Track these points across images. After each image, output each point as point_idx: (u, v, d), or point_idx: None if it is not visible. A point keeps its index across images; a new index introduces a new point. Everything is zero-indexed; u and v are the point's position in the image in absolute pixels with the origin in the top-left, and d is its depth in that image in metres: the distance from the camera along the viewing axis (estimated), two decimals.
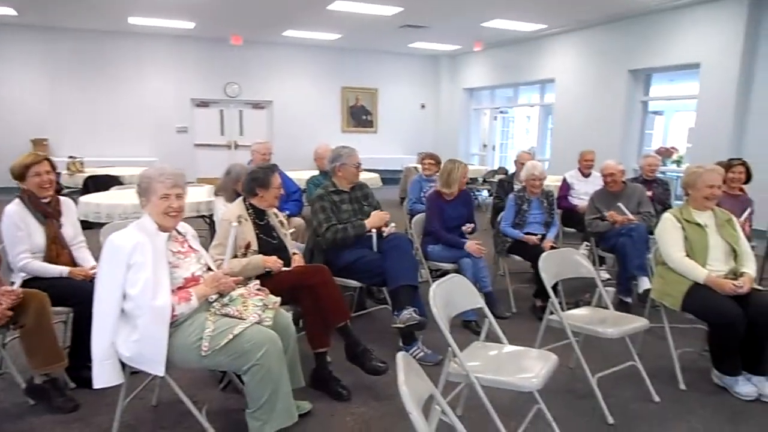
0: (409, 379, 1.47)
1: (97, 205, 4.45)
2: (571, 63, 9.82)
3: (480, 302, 2.56)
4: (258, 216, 3.02)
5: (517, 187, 5.12)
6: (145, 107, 11.03)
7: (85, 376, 2.39)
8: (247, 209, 3.01)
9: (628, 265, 4.15)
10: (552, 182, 6.00)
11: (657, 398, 2.86)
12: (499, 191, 5.66)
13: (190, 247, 2.43)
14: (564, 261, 3.12)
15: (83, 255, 3.09)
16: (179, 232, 2.43)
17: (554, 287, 2.90)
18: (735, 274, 2.97)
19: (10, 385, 2.83)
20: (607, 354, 3.23)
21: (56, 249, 2.94)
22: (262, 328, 2.24)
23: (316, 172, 5.41)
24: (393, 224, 3.56)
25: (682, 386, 3.00)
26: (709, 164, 3.23)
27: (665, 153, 9.99)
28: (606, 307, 3.06)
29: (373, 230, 3.47)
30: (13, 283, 2.76)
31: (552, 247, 3.99)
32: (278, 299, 2.47)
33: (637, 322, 2.84)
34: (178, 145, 11.31)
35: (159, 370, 2.12)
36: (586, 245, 4.57)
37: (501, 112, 13.33)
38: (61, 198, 3.13)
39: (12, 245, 2.84)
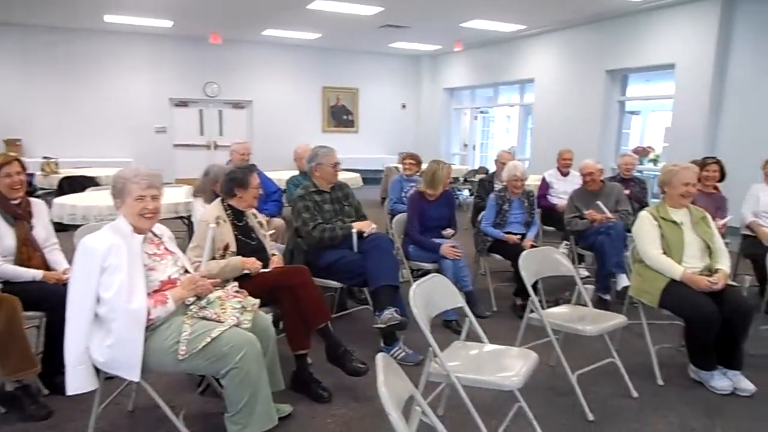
0: (388, 380, 1.46)
1: (72, 207, 4.36)
2: (550, 63, 9.91)
3: (460, 302, 2.56)
4: (236, 217, 2.98)
5: (497, 186, 5.14)
6: (122, 107, 10.84)
7: (59, 382, 2.34)
8: (226, 210, 2.97)
9: (606, 262, 4.20)
10: (532, 182, 6.04)
11: (635, 394, 2.89)
12: (480, 191, 5.68)
13: (167, 249, 2.39)
14: (544, 259, 3.13)
15: (56, 258, 3.02)
16: (155, 234, 2.39)
17: (534, 286, 2.91)
18: (710, 271, 3.01)
19: None
20: (587, 351, 3.26)
21: (27, 251, 2.87)
22: (241, 331, 2.21)
23: (297, 173, 5.37)
24: (374, 225, 3.55)
25: (660, 381, 3.04)
26: (684, 163, 3.28)
27: (642, 152, 10.14)
28: (585, 305, 3.09)
29: (354, 230, 3.45)
30: None
31: (532, 246, 4.02)
32: (257, 301, 2.43)
33: (616, 320, 2.87)
34: (157, 146, 11.15)
35: (134, 375, 2.08)
36: (566, 244, 4.61)
37: (481, 111, 13.40)
38: (32, 199, 3.06)
39: None
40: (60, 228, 4.08)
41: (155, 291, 2.21)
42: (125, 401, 2.67)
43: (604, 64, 8.78)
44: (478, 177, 7.92)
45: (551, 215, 5.42)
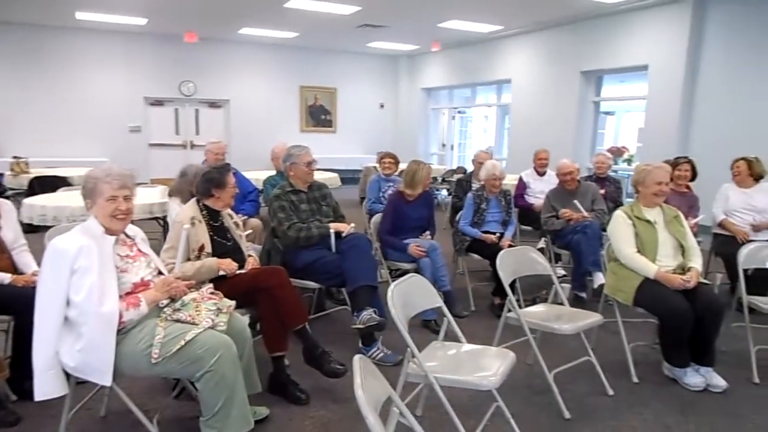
0: (365, 382, 1.45)
1: (42, 207, 4.25)
2: (527, 64, 10.01)
3: (439, 302, 2.56)
4: (212, 217, 2.94)
5: (475, 186, 5.17)
6: (95, 106, 10.62)
7: (28, 387, 2.24)
8: (201, 210, 2.93)
9: (582, 261, 4.25)
10: (509, 181, 6.08)
11: (611, 391, 2.93)
12: (458, 190, 5.70)
13: (139, 250, 2.34)
14: (521, 259, 3.15)
15: (25, 260, 2.94)
16: (128, 236, 2.34)
17: (512, 285, 2.93)
18: (683, 269, 3.06)
19: None
20: (564, 349, 3.29)
21: None
22: (216, 333, 2.17)
23: (274, 172, 5.32)
24: (352, 224, 3.53)
25: (635, 379, 3.08)
26: (657, 162, 3.33)
27: (616, 152, 10.32)
28: (562, 304, 3.12)
29: (332, 230, 3.43)
30: None
31: (510, 246, 4.04)
32: (233, 303, 2.40)
33: (592, 318, 2.90)
34: (131, 145, 10.96)
35: (106, 380, 2.03)
36: (545, 240, 4.66)
37: (459, 111, 13.46)
38: None
39: None
40: (30, 229, 3.98)
41: (128, 293, 2.16)
42: (97, 406, 2.61)
43: (579, 65, 8.90)
44: (456, 177, 7.95)
45: (528, 215, 5.47)
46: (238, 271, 2.81)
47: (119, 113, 10.87)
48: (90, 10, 8.80)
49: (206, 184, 2.92)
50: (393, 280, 2.36)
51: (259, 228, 4.48)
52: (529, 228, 5.48)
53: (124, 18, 9.31)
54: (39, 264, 2.63)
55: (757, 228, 4.22)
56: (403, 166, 4.68)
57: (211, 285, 2.51)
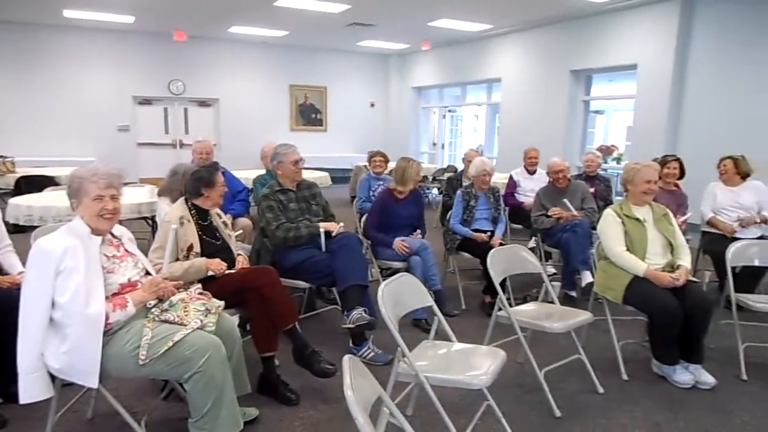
0: (355, 382, 1.43)
1: (28, 207, 4.20)
2: (517, 63, 10.03)
3: (429, 301, 2.55)
4: (201, 216, 2.92)
5: (465, 184, 5.17)
6: (83, 105, 10.51)
7: (13, 390, 2.22)
8: (190, 210, 2.90)
9: (571, 260, 4.26)
10: (499, 180, 6.10)
11: (601, 389, 2.93)
12: (448, 189, 5.70)
13: (126, 250, 2.31)
14: (511, 257, 3.15)
15: (10, 260, 2.90)
16: (114, 236, 2.31)
17: (502, 283, 2.93)
18: (672, 267, 3.08)
19: None
20: (554, 348, 3.30)
21: None
22: (204, 334, 2.15)
23: (264, 171, 5.29)
24: (341, 224, 3.52)
25: (625, 376, 3.09)
26: (645, 161, 3.35)
27: (606, 151, 10.35)
28: (552, 302, 3.12)
29: (322, 230, 3.42)
30: None
31: (500, 244, 4.04)
32: (222, 303, 2.38)
33: (582, 316, 2.91)
34: (120, 144, 10.86)
35: (92, 381, 2.00)
36: (535, 239, 4.67)
37: (449, 110, 13.47)
38: None
39: None
40: (16, 230, 3.94)
41: (114, 294, 2.13)
42: (84, 408, 2.58)
43: (569, 64, 8.93)
44: (446, 175, 7.95)
45: (518, 213, 5.48)
46: (227, 271, 2.79)
47: (107, 112, 10.77)
48: (77, 8, 8.71)
49: (196, 183, 2.90)
50: (383, 279, 2.35)
51: (248, 227, 4.46)
52: (519, 226, 5.49)
53: (112, 16, 9.22)
54: (25, 265, 2.60)
55: (744, 223, 4.25)
56: (393, 165, 4.67)
57: (199, 285, 2.48)
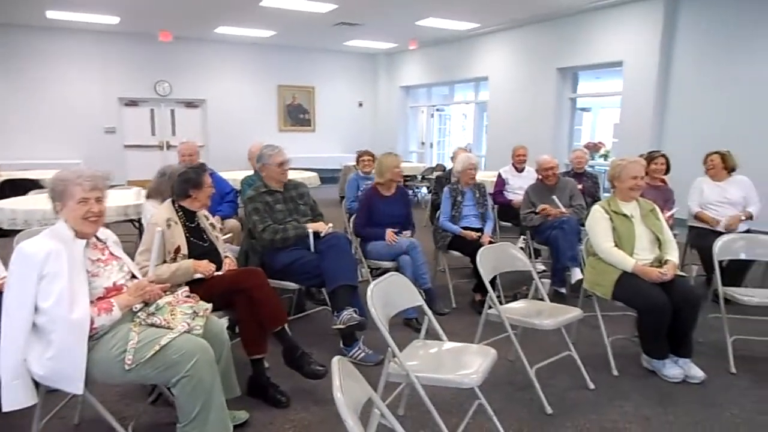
0: (344, 384, 1.42)
1: (12, 211, 4.13)
2: (504, 61, 10.06)
3: (419, 300, 2.54)
4: (188, 218, 2.88)
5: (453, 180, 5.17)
6: (68, 107, 10.40)
7: None
8: (177, 212, 2.87)
9: (560, 256, 4.27)
10: (488, 178, 6.11)
11: (592, 385, 2.94)
12: (437, 188, 5.70)
13: (112, 254, 2.27)
14: (501, 255, 3.15)
15: None
16: (99, 239, 2.27)
17: (492, 281, 2.93)
18: (660, 262, 3.09)
19: None
20: (545, 345, 3.30)
21: None
22: (192, 337, 2.12)
23: (252, 172, 5.26)
24: (330, 224, 3.50)
25: (615, 372, 3.10)
26: (631, 157, 3.36)
27: (593, 148, 10.43)
28: (542, 299, 3.12)
29: (311, 230, 3.39)
30: None
31: (490, 242, 4.05)
32: (209, 306, 2.35)
33: (572, 313, 2.91)
34: (106, 146, 10.76)
35: (77, 388, 1.96)
36: (524, 238, 4.68)
37: (437, 109, 13.49)
38: None
39: None
40: (0, 233, 3.87)
41: (99, 298, 2.10)
42: (71, 414, 2.54)
43: (556, 61, 8.97)
44: (435, 174, 7.96)
45: (507, 211, 5.49)
46: (215, 273, 2.76)
47: (93, 114, 10.67)
48: (61, 9, 8.60)
49: (183, 184, 2.87)
50: (373, 279, 2.33)
51: (237, 229, 4.42)
52: (508, 224, 5.50)
53: (96, 17, 9.13)
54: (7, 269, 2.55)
55: (730, 227, 4.24)
56: None
57: (186, 288, 2.45)
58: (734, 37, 6.72)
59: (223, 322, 2.64)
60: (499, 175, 5.87)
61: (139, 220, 4.45)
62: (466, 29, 9.99)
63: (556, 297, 4.20)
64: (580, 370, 2.98)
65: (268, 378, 2.77)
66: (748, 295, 3.26)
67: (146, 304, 2.20)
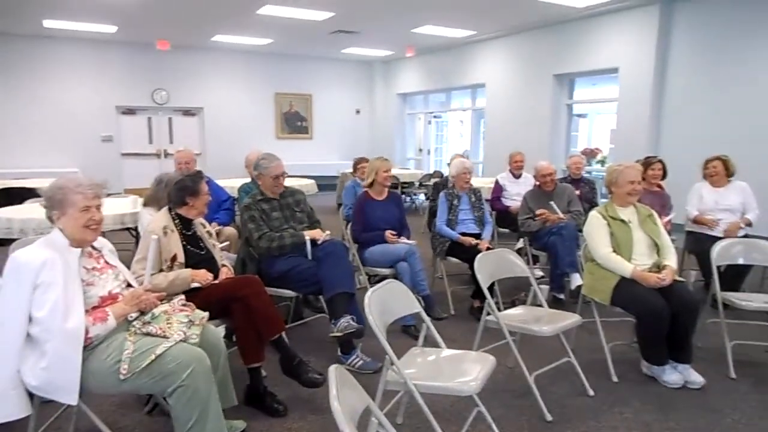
0: (341, 393, 1.41)
1: (8, 220, 4.11)
2: (500, 68, 10.09)
3: (417, 307, 2.53)
4: (185, 226, 2.87)
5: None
6: (65, 115, 10.39)
7: None
8: (174, 219, 2.85)
9: (559, 262, 4.26)
10: (485, 184, 6.11)
11: (591, 392, 2.92)
12: (435, 194, 5.69)
13: (107, 262, 2.26)
14: (499, 261, 3.14)
15: None
16: (94, 248, 2.26)
17: (491, 287, 2.91)
18: (658, 267, 3.08)
19: None
20: (544, 351, 3.29)
21: None
22: (188, 346, 2.10)
23: (249, 180, 5.24)
24: (328, 232, 3.48)
25: (615, 378, 3.09)
26: (627, 162, 3.36)
27: (590, 154, 10.44)
28: (541, 305, 3.11)
29: (308, 238, 3.38)
30: None
31: (488, 248, 4.03)
32: (206, 314, 2.33)
33: (571, 319, 2.90)
34: (104, 155, 10.75)
35: (72, 399, 1.94)
36: (522, 241, 4.68)
37: (435, 116, 13.52)
38: None
39: None
40: None
41: (94, 307, 2.08)
42: (65, 425, 2.50)
43: (552, 68, 9.00)
44: (432, 181, 7.96)
45: (505, 217, 5.48)
46: (212, 282, 2.74)
47: (90, 122, 10.66)
48: (58, 18, 8.62)
49: (180, 192, 2.85)
50: (371, 286, 2.32)
51: (234, 237, 4.40)
52: (506, 230, 5.49)
53: (94, 26, 9.14)
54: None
55: (728, 234, 4.22)
56: None
57: (182, 296, 2.43)
58: (729, 43, 6.75)
59: (220, 330, 2.63)
60: (497, 182, 5.87)
61: (136, 229, 4.44)
62: (463, 36, 10.02)
63: (554, 303, 4.18)
64: (580, 377, 2.96)
65: (265, 387, 2.74)
66: (746, 299, 3.25)
67: (142, 313, 2.18)
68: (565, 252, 4.21)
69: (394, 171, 9.96)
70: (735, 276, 3.91)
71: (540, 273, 5.04)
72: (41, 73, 10.13)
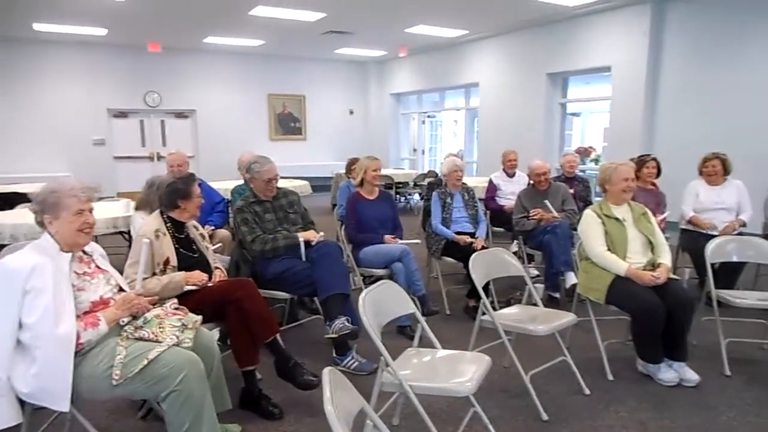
0: (336, 395, 1.39)
1: None
2: (494, 67, 10.10)
3: (412, 307, 2.51)
4: (177, 229, 2.85)
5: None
6: (56, 119, 10.33)
7: None
8: (166, 223, 2.83)
9: (554, 261, 4.26)
10: (479, 184, 6.11)
11: (587, 391, 2.92)
12: (430, 194, 5.67)
13: (98, 267, 2.24)
14: (494, 261, 3.14)
15: None
16: (85, 252, 2.23)
17: (486, 287, 2.91)
18: (653, 265, 3.08)
19: None
20: (539, 350, 3.28)
21: None
22: (181, 351, 2.08)
23: (242, 182, 5.22)
24: (321, 233, 3.47)
25: (610, 377, 3.09)
26: (620, 159, 3.36)
27: (584, 152, 10.46)
28: (536, 304, 3.11)
29: (302, 239, 3.37)
30: None
31: (483, 248, 4.02)
32: (199, 318, 2.31)
33: (566, 318, 2.89)
34: (96, 158, 10.70)
35: (63, 405, 1.92)
36: (517, 242, 4.67)
37: (429, 116, 13.52)
38: None
39: None
40: None
41: (86, 313, 2.06)
42: None
43: (545, 67, 9.02)
44: (427, 181, 7.95)
45: (500, 217, 5.47)
46: (206, 284, 2.72)
47: (82, 126, 10.61)
48: (47, 21, 8.56)
49: (172, 195, 2.83)
50: (366, 287, 2.31)
51: (227, 239, 4.38)
52: (501, 229, 5.48)
53: (84, 29, 9.09)
54: None
55: (725, 233, 4.22)
56: None
57: (175, 300, 2.40)
58: (721, 42, 6.78)
59: (214, 333, 2.61)
60: (491, 181, 5.86)
61: (128, 232, 4.41)
62: (456, 36, 10.03)
63: (550, 302, 4.19)
64: (575, 376, 2.96)
65: (260, 390, 2.73)
66: (740, 297, 3.26)
67: (134, 317, 2.16)
68: (559, 251, 4.21)
69: (389, 171, 10.01)
70: (729, 273, 3.92)
71: (535, 272, 5.04)
72: (31, 76, 10.07)
